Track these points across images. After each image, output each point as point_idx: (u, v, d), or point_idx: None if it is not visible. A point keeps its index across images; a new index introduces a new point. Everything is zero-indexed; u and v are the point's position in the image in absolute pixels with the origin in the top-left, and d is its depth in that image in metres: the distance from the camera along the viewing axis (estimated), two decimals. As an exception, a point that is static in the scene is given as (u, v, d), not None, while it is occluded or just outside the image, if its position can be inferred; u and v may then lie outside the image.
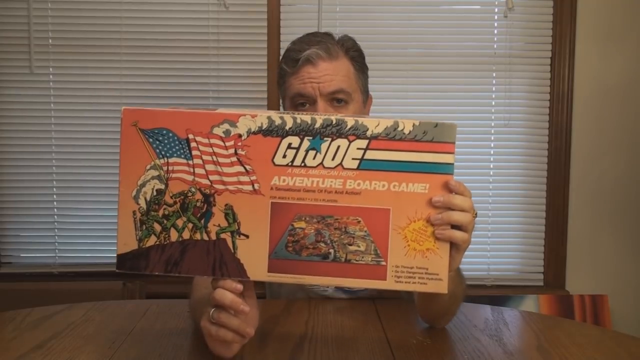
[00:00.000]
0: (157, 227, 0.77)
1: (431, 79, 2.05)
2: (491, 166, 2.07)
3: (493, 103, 2.06)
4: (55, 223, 2.06)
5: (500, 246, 2.09)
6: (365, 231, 0.75)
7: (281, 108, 1.23)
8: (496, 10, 2.04)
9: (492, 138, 2.07)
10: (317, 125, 0.74)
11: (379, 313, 1.07)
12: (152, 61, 2.02)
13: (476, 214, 0.79)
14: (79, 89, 2.03)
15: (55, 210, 2.06)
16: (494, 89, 2.06)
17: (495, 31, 2.05)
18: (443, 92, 2.05)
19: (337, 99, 1.10)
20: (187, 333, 0.98)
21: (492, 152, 2.07)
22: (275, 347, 0.91)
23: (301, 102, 1.11)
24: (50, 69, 2.02)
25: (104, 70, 2.02)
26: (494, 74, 2.05)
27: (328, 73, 1.09)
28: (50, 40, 2.02)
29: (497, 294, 2.02)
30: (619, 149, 2.06)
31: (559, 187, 2.06)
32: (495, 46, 2.04)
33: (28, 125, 2.03)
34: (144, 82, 2.03)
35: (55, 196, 2.06)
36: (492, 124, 2.06)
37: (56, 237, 2.06)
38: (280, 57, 1.20)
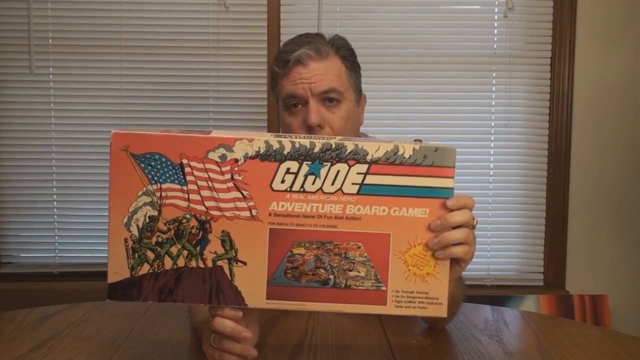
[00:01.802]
0: (150, 255, 0.74)
1: (431, 79, 2.05)
2: (491, 166, 2.07)
3: (493, 103, 2.06)
4: (55, 223, 2.06)
5: (500, 246, 2.09)
6: (365, 256, 0.74)
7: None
8: (496, 10, 2.04)
9: (492, 138, 2.07)
10: (316, 149, 0.73)
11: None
12: (152, 61, 2.02)
13: (477, 222, 0.78)
14: (79, 89, 2.03)
15: (55, 210, 2.06)
16: (494, 89, 2.06)
17: (495, 31, 2.05)
18: (443, 92, 2.05)
19: (329, 99, 1.09)
20: (187, 333, 0.98)
21: (492, 152, 2.07)
22: (275, 348, 0.91)
23: (293, 102, 1.10)
24: (50, 69, 2.02)
25: (104, 70, 2.02)
26: (494, 74, 2.05)
27: (319, 73, 1.08)
28: (50, 40, 2.01)
29: (497, 294, 2.02)
30: (618, 149, 2.06)
31: (559, 187, 2.06)
32: (495, 46, 2.04)
33: (28, 125, 2.03)
34: (144, 82, 2.03)
35: (55, 196, 2.05)
36: (492, 124, 2.06)
37: (56, 237, 2.06)
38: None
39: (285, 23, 2.02)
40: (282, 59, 1.11)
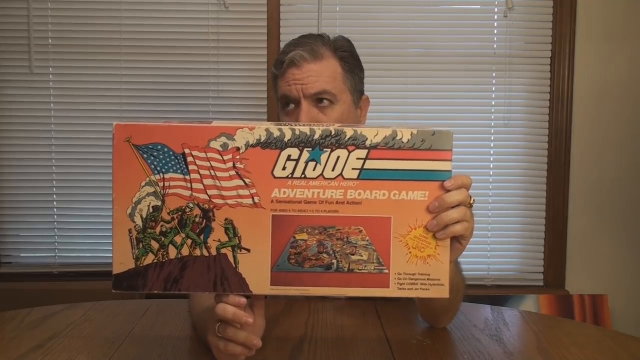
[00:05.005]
0: (155, 245, 0.75)
1: (431, 79, 2.05)
2: (491, 166, 2.07)
3: (493, 103, 2.06)
4: (55, 223, 2.06)
5: (500, 246, 2.09)
6: (368, 240, 0.75)
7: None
8: (496, 10, 2.04)
9: (492, 138, 2.07)
10: (316, 136, 0.74)
11: (379, 313, 1.07)
12: (152, 61, 2.02)
13: (474, 200, 0.79)
14: (79, 89, 2.03)
15: (55, 210, 2.06)
16: (494, 89, 2.06)
17: (495, 31, 2.05)
18: (443, 92, 2.05)
19: (321, 100, 1.11)
20: (187, 333, 0.98)
21: (492, 152, 2.07)
22: (275, 347, 0.91)
23: (288, 103, 1.13)
24: (50, 69, 2.02)
25: (104, 70, 2.02)
26: (494, 74, 2.05)
27: (312, 75, 1.10)
28: (50, 40, 2.01)
29: (497, 294, 2.02)
30: (619, 149, 2.06)
31: (559, 187, 2.06)
32: (495, 46, 2.04)
33: (28, 125, 2.03)
34: (144, 82, 2.03)
35: (55, 196, 2.05)
36: (492, 124, 2.06)
37: (56, 237, 2.06)
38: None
39: (285, 23, 2.02)
40: (279, 60, 1.14)
